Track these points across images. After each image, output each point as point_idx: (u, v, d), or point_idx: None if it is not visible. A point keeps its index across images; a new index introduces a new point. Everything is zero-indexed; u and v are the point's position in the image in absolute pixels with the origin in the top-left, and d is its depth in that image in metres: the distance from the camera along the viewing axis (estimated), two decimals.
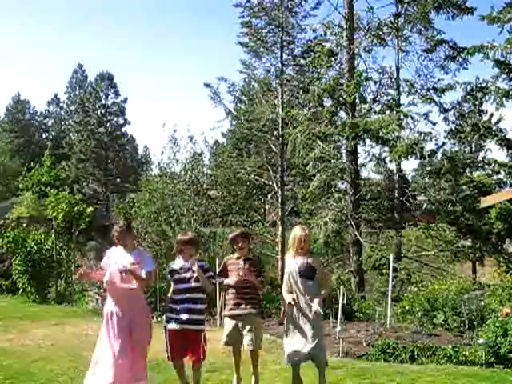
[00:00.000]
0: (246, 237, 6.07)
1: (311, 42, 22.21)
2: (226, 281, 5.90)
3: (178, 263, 5.69)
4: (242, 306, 5.81)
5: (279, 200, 23.73)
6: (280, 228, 23.42)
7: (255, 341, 5.78)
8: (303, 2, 24.05)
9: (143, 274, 5.42)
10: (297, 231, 5.72)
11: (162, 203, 16.32)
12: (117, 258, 5.55)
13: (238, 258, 5.95)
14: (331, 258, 20.78)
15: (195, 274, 5.46)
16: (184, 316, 5.45)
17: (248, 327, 5.77)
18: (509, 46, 17.47)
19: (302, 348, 5.47)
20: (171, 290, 5.73)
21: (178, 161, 17.49)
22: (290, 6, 24.07)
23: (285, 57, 24.36)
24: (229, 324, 5.90)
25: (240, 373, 5.93)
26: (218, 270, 6.20)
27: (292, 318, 5.61)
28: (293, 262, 5.62)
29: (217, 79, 24.91)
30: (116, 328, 5.38)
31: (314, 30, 22.02)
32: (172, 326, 5.52)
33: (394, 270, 12.54)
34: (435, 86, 19.71)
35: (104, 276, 5.54)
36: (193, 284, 5.51)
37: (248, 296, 5.85)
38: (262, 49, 24.50)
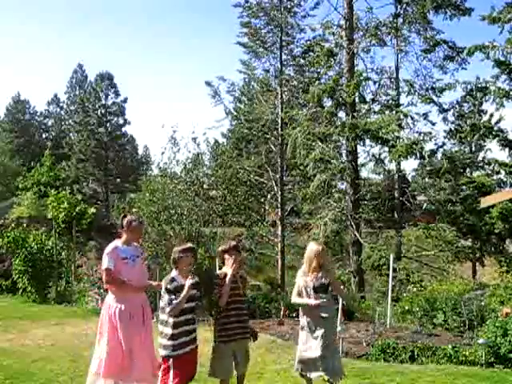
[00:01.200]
0: (238, 248, 5.60)
1: (310, 41, 22.22)
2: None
3: (179, 279, 5.01)
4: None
5: (279, 200, 23.73)
6: (280, 228, 23.42)
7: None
8: (302, 2, 24.12)
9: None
10: (312, 247, 5.64)
11: (162, 203, 16.33)
12: (128, 253, 5.45)
13: (234, 276, 5.35)
14: (331, 258, 20.77)
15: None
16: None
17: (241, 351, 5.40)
18: (509, 46, 17.49)
19: (313, 360, 5.46)
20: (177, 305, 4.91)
21: (178, 161, 17.52)
22: (289, 6, 24.10)
23: (284, 57, 24.39)
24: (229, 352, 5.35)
25: None
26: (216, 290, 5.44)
27: (307, 328, 5.59)
28: (308, 279, 5.56)
29: (217, 78, 24.99)
30: (142, 322, 5.37)
31: (313, 30, 22.07)
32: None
33: (394, 270, 12.53)
34: (434, 85, 19.74)
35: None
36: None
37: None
38: (261, 49, 24.51)
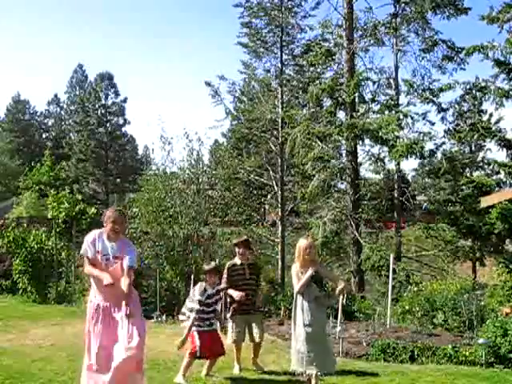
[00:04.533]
0: (248, 244, 6.83)
1: (311, 41, 22.21)
2: (231, 292, 6.68)
3: (209, 290, 6.34)
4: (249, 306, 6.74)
5: (279, 200, 23.73)
6: (280, 228, 23.42)
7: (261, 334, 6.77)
8: (303, 2, 24.13)
9: (124, 266, 4.98)
10: (300, 242, 5.85)
11: (160, 202, 16.28)
12: (102, 248, 5.07)
13: (242, 263, 6.71)
14: (330, 258, 20.77)
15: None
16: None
17: (254, 323, 6.69)
18: (508, 45, 17.49)
19: (309, 357, 5.56)
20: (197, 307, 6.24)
21: (172, 160, 17.40)
22: (289, 6, 24.11)
23: (285, 57, 24.40)
24: (237, 324, 6.69)
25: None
26: (224, 276, 6.75)
27: (301, 324, 5.69)
28: (304, 272, 5.74)
29: (217, 78, 24.97)
30: (115, 319, 5.05)
31: (312, 29, 22.09)
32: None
33: (394, 270, 12.53)
34: (433, 85, 19.72)
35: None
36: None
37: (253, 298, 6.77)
38: (261, 49, 24.52)
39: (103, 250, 5.08)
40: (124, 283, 4.95)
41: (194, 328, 6.20)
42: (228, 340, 6.70)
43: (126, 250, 5.13)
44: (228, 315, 6.79)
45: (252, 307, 6.76)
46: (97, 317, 5.12)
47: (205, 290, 6.26)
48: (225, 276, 6.71)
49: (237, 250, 6.78)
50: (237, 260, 6.80)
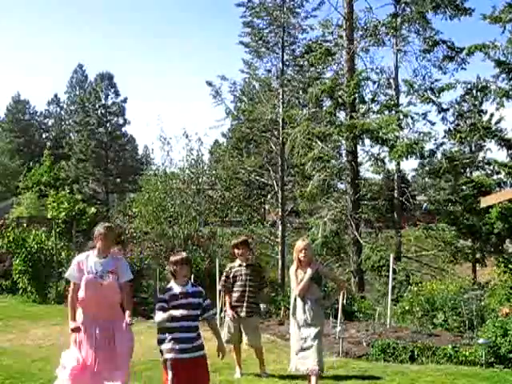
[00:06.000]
0: (246, 244, 6.56)
1: (311, 41, 22.22)
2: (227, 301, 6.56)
3: (176, 287, 4.70)
4: (244, 309, 6.46)
5: (279, 200, 23.73)
6: (280, 228, 23.41)
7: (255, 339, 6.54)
8: (304, 3, 24.15)
9: (121, 280, 5.12)
10: (297, 244, 5.93)
11: (160, 202, 16.28)
12: (91, 267, 5.10)
13: (240, 265, 6.48)
14: (330, 258, 20.76)
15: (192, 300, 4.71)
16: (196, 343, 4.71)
17: (249, 328, 6.39)
18: (510, 46, 17.49)
19: (307, 358, 5.65)
20: (166, 316, 4.58)
21: (171, 160, 17.40)
22: (291, 7, 24.12)
23: (286, 57, 24.42)
24: (231, 324, 6.46)
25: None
26: (222, 278, 6.66)
27: (296, 324, 5.77)
28: (302, 272, 5.80)
29: (218, 78, 25.00)
30: (99, 340, 5.01)
31: (313, 29, 22.09)
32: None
33: (394, 271, 12.53)
34: (433, 85, 19.72)
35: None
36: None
37: (249, 299, 6.49)
38: (263, 49, 24.56)
39: (92, 270, 5.11)
40: (126, 303, 5.19)
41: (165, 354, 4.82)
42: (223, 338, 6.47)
43: (119, 264, 5.25)
44: (224, 315, 6.71)
45: (253, 309, 6.53)
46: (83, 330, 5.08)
47: (169, 289, 4.73)
48: (223, 278, 6.63)
49: (236, 251, 6.57)
50: (236, 262, 6.61)
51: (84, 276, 5.07)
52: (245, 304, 6.44)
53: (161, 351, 4.62)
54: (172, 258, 4.75)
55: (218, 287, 6.61)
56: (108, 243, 5.19)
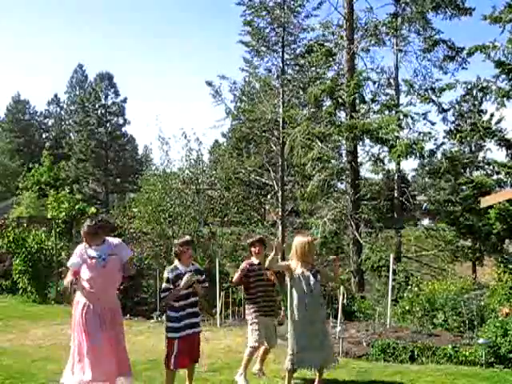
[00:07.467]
0: (263, 242, 6.57)
1: (312, 41, 22.21)
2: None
3: (181, 267, 5.44)
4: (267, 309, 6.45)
5: (279, 200, 23.72)
6: (280, 228, 23.41)
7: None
8: (305, 2, 24.10)
9: (123, 259, 5.35)
10: (303, 239, 5.78)
11: (159, 202, 16.29)
12: (91, 253, 5.29)
13: (260, 263, 6.40)
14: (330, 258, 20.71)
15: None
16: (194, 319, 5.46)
17: (269, 327, 6.47)
18: (510, 46, 17.48)
19: (311, 354, 5.65)
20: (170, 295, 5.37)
21: (169, 160, 17.39)
22: (291, 6, 24.09)
23: (286, 56, 24.39)
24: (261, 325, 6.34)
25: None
26: (238, 274, 6.46)
27: (300, 321, 5.73)
28: (304, 269, 5.73)
29: (218, 77, 24.99)
30: (106, 323, 5.23)
31: (313, 29, 22.07)
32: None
33: (394, 271, 12.53)
34: (434, 85, 19.73)
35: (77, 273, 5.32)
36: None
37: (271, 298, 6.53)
38: (263, 48, 24.51)
39: (93, 255, 5.29)
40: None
41: (173, 333, 5.51)
42: (249, 343, 6.36)
43: (116, 244, 5.43)
44: (248, 317, 6.45)
45: (272, 309, 6.55)
46: (88, 318, 5.24)
47: (175, 268, 5.53)
48: (238, 275, 6.43)
49: (252, 249, 6.50)
50: (254, 259, 6.51)
51: (87, 260, 5.26)
52: (269, 304, 6.47)
53: (167, 328, 5.30)
54: (177, 241, 5.50)
55: (234, 279, 6.50)
56: (95, 239, 5.30)
